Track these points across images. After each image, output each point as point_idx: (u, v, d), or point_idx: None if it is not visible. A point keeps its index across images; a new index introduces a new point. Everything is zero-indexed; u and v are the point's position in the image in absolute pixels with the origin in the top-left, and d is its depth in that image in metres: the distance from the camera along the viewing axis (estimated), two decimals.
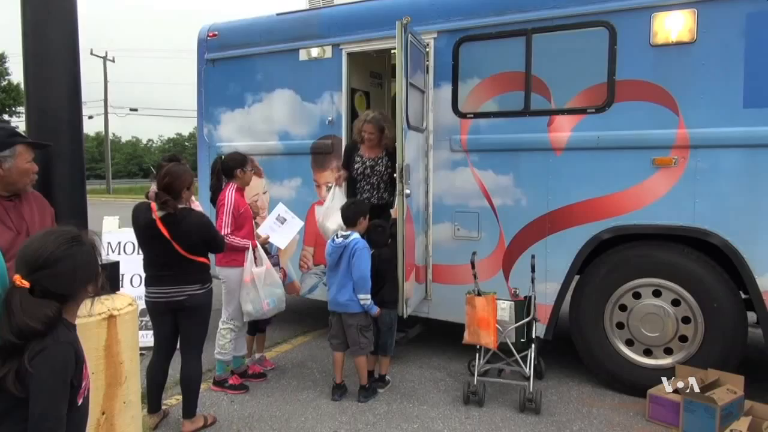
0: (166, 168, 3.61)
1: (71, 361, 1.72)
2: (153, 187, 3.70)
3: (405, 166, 4.24)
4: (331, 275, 4.29)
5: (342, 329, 4.25)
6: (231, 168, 4.44)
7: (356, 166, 5.15)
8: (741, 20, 3.80)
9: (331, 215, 4.84)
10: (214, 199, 4.64)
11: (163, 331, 3.73)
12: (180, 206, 3.56)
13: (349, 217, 4.28)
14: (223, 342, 4.38)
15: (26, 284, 1.70)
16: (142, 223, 3.59)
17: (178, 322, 3.68)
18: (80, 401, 1.81)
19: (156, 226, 3.51)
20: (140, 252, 5.49)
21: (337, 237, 4.24)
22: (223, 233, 4.13)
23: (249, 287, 4.27)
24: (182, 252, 3.53)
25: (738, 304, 3.98)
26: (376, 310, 4.18)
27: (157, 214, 3.52)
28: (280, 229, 4.65)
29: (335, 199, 4.94)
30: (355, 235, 4.20)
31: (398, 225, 4.29)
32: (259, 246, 4.39)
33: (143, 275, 5.23)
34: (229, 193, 4.33)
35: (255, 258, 4.32)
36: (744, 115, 3.82)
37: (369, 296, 4.14)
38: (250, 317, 4.39)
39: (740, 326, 3.97)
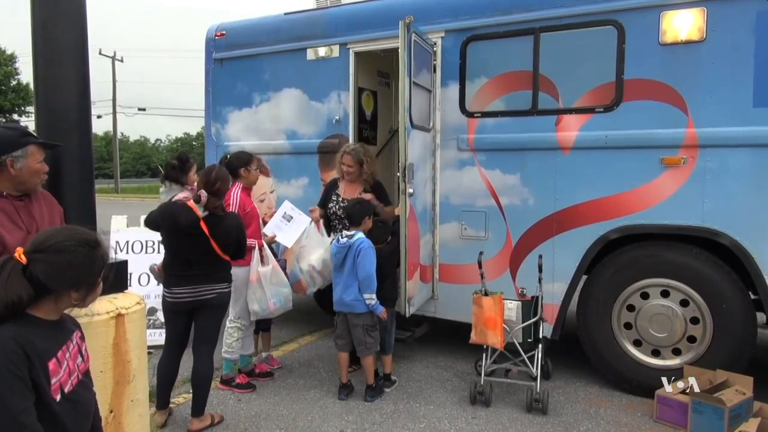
0: (215, 172, 3.71)
1: (14, 355, 1.65)
2: (181, 195, 3.75)
3: (408, 165, 4.24)
4: (336, 275, 4.29)
5: (347, 329, 4.25)
6: (235, 167, 4.45)
7: (330, 204, 4.83)
8: (751, 19, 3.78)
9: (305, 256, 4.63)
10: None
11: (177, 330, 3.77)
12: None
13: (354, 216, 4.28)
14: (231, 341, 4.40)
15: (23, 260, 1.71)
16: (183, 223, 3.60)
17: (196, 320, 3.73)
18: (57, 397, 1.77)
19: (199, 226, 3.58)
20: (148, 251, 5.57)
21: (342, 237, 4.25)
22: None
23: (255, 286, 4.29)
24: (218, 251, 3.63)
25: (747, 305, 3.95)
26: (381, 309, 4.18)
27: (200, 213, 3.59)
28: (287, 227, 4.58)
29: (309, 237, 4.66)
30: (360, 235, 4.20)
31: (401, 224, 4.29)
32: (265, 245, 4.40)
33: (150, 274, 5.27)
34: (235, 193, 4.35)
35: (261, 257, 4.33)
36: (754, 114, 3.80)
37: (374, 296, 4.14)
38: (256, 316, 4.40)
39: (749, 327, 3.94)
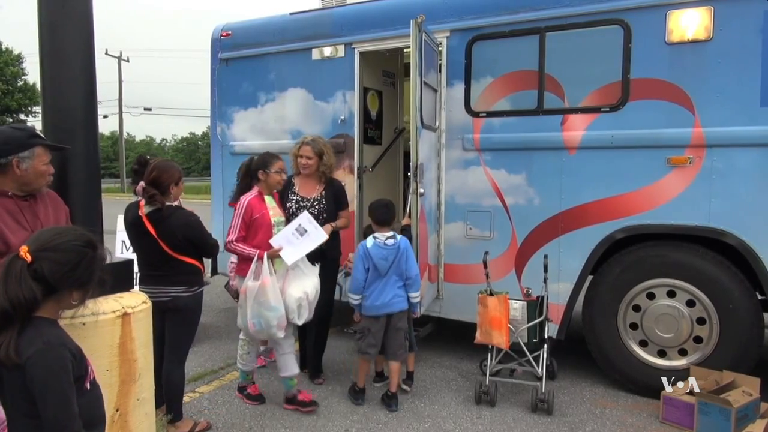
0: (154, 163, 3.56)
1: (66, 357, 1.74)
2: (141, 184, 3.63)
3: (419, 165, 4.23)
4: (376, 279, 4.04)
5: (383, 336, 4.09)
6: (254, 170, 4.14)
7: (289, 204, 4.41)
8: (758, 17, 3.75)
9: (298, 283, 3.99)
10: None
11: (157, 331, 3.48)
12: (167, 203, 3.49)
13: (388, 220, 4.10)
14: (241, 352, 4.16)
15: (28, 258, 1.73)
16: (129, 220, 3.54)
17: (165, 323, 3.55)
18: (88, 385, 1.86)
19: (143, 223, 3.44)
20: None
21: (386, 239, 4.03)
22: (227, 239, 3.96)
23: (242, 300, 3.89)
24: (168, 251, 3.45)
25: (754, 305, 3.92)
26: (418, 309, 4.25)
27: (143, 210, 3.46)
28: (298, 241, 3.96)
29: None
30: (399, 235, 4.15)
31: (413, 224, 4.29)
32: (265, 257, 3.83)
33: None
34: (245, 198, 4.04)
35: (255, 270, 3.84)
36: (761, 113, 3.77)
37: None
38: (245, 333, 4.01)
39: (756, 327, 3.91)
